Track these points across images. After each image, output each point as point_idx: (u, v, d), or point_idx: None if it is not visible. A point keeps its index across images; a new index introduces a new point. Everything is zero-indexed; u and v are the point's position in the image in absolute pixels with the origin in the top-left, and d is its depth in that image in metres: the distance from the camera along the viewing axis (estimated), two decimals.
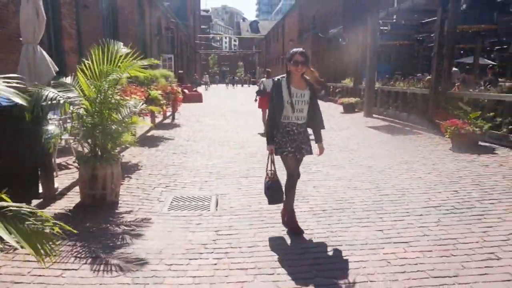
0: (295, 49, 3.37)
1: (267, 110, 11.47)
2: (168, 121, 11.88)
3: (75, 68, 4.41)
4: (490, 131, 7.03)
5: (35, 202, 3.97)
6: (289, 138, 3.38)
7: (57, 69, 5.28)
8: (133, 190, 4.77)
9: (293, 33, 34.60)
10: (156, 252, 3.13)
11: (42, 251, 1.89)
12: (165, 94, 9.96)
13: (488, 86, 8.60)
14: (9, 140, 3.62)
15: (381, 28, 14.10)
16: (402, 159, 6.36)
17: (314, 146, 3.58)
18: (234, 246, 3.26)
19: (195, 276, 2.78)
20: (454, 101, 8.42)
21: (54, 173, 4.75)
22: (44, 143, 3.82)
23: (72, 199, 4.31)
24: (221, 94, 29.91)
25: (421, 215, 3.89)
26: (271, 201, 3.63)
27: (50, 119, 4.44)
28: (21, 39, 5.09)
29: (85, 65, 4.14)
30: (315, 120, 3.50)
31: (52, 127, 4.05)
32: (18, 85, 2.12)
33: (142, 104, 5.21)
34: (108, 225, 3.69)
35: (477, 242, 3.25)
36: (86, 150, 4.47)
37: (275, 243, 3.30)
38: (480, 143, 7.06)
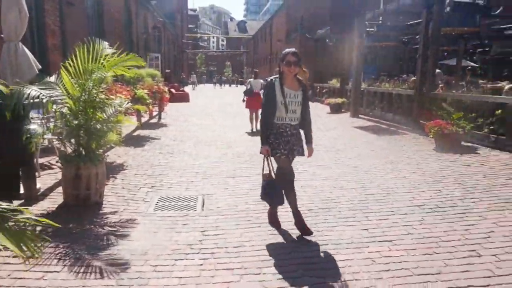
0: (287, 50, 3.35)
1: (254, 110, 11.50)
2: (154, 120, 11.76)
3: (59, 66, 4.33)
4: (472, 131, 7.19)
5: (16, 203, 3.87)
6: (282, 140, 3.35)
7: (40, 67, 5.18)
8: (118, 190, 4.71)
9: (281, 33, 34.70)
10: (141, 253, 3.09)
11: (26, 251, 1.85)
12: (152, 93, 9.86)
13: (471, 87, 8.80)
14: None
15: (368, 29, 14.28)
16: (387, 159, 6.44)
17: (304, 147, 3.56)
18: (221, 246, 3.25)
19: (180, 277, 2.76)
20: (438, 102, 8.59)
21: (36, 173, 4.65)
22: (26, 142, 3.73)
23: (55, 200, 4.22)
24: (209, 94, 29.80)
25: (405, 214, 3.95)
26: (272, 203, 3.57)
27: (32, 118, 4.34)
28: (2, 36, 4.97)
29: (69, 63, 4.06)
30: (306, 121, 3.48)
31: (34, 126, 3.96)
32: None
33: (128, 103, 5.14)
34: (92, 226, 3.63)
35: (459, 239, 3.31)
36: (69, 150, 4.38)
37: (262, 243, 3.30)
38: (462, 143, 7.21)
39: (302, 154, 3.50)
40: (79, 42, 4.11)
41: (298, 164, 5.83)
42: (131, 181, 5.11)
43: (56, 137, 4.57)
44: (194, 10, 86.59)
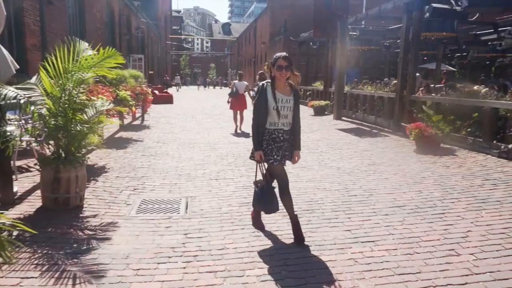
0: (278, 54, 3.30)
1: (238, 111, 11.51)
2: (137, 122, 11.61)
3: (38, 66, 4.22)
4: (451, 133, 7.38)
5: None
6: (275, 146, 3.29)
7: (18, 67, 5.02)
8: (99, 193, 4.62)
9: (265, 36, 34.88)
10: (123, 257, 3.04)
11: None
12: (134, 95, 9.73)
13: (449, 91, 9.03)
14: None
15: (350, 33, 14.48)
16: (369, 161, 6.54)
17: None
18: (204, 249, 3.22)
19: (163, 281, 2.72)
20: (418, 105, 8.78)
21: (14, 176, 4.52)
22: (2, 144, 3.62)
23: (32, 204, 4.11)
24: (193, 96, 29.62)
25: (387, 214, 4.02)
26: (267, 210, 3.50)
27: (9, 119, 4.22)
28: None
29: (48, 63, 3.97)
30: (295, 126, 3.40)
31: (11, 128, 3.85)
32: None
33: (110, 104, 5.06)
34: (72, 230, 3.54)
35: (438, 239, 3.39)
36: (48, 152, 4.28)
37: (245, 245, 3.29)
38: (442, 145, 7.39)
39: (290, 159, 3.44)
40: (59, 42, 4.02)
41: None
42: (113, 183, 5.02)
43: (35, 139, 4.45)
44: (178, 12, 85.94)
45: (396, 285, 2.66)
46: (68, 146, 4.05)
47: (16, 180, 4.70)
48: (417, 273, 2.82)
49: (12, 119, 4.50)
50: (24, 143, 5.27)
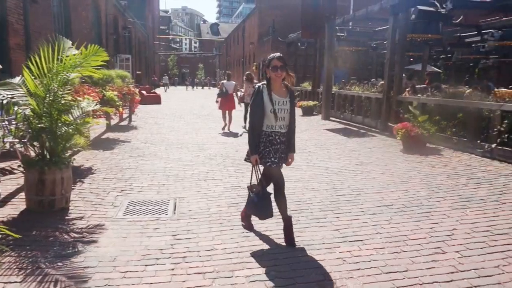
0: (272, 55, 3.25)
1: (227, 111, 11.52)
2: (124, 123, 11.48)
3: (22, 66, 4.13)
4: (436, 133, 7.51)
5: None
6: (272, 148, 3.23)
7: (1, 66, 4.93)
8: (85, 195, 4.54)
9: (253, 36, 34.90)
10: (110, 260, 2.99)
11: None
12: (121, 95, 9.61)
13: (434, 91, 9.18)
14: None
15: (338, 34, 14.60)
16: (357, 161, 6.61)
17: None
18: (192, 250, 3.20)
19: (151, 283, 2.69)
20: (404, 105, 8.90)
21: None
22: None
23: (16, 206, 4.02)
24: (181, 96, 29.45)
25: (374, 213, 4.06)
26: (262, 216, 3.45)
27: None
28: None
29: (31, 62, 3.89)
30: (291, 128, 3.36)
31: None
32: None
33: (96, 105, 4.99)
34: (57, 233, 3.48)
35: (424, 238, 3.44)
36: (33, 154, 4.19)
37: (234, 246, 3.28)
38: (428, 144, 7.50)
39: (285, 162, 3.40)
40: (42, 41, 3.94)
41: None
42: (100, 185, 4.95)
43: (18, 140, 4.35)
44: (166, 12, 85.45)
45: (383, 283, 2.69)
46: (53, 147, 3.98)
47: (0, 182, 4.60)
48: (404, 271, 2.85)
49: None
50: (7, 145, 5.15)
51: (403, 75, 11.42)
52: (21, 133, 4.11)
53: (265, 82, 3.31)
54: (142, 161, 6.40)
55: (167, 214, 4.03)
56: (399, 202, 4.40)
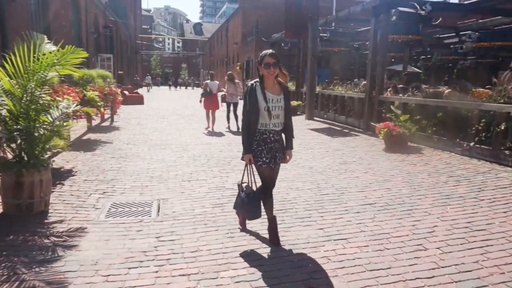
0: (264, 51, 3.18)
1: (210, 111, 11.47)
2: (106, 124, 11.27)
3: None
4: (417, 132, 7.66)
5: None
6: (265, 147, 3.18)
7: None
8: (66, 197, 4.43)
9: (237, 36, 34.85)
10: (92, 263, 2.93)
11: None
12: (103, 95, 9.42)
13: (415, 91, 9.37)
14: None
15: (321, 34, 14.72)
16: (341, 160, 6.67)
17: None
18: (177, 252, 3.16)
19: (134, 286, 2.64)
20: (386, 105, 9.05)
21: None
22: None
23: None
24: (164, 96, 29.13)
25: (358, 212, 4.10)
26: (251, 217, 3.43)
27: None
28: None
29: (6, 61, 3.76)
30: (288, 127, 3.31)
31: None
32: None
33: (76, 105, 4.87)
34: (36, 237, 3.38)
35: (407, 235, 3.50)
36: (10, 156, 4.06)
37: (219, 247, 3.26)
38: (409, 143, 7.65)
39: (283, 161, 3.37)
40: (17, 39, 3.82)
41: None
42: (81, 187, 4.84)
43: None
44: (149, 11, 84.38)
45: (367, 281, 2.72)
46: (31, 149, 3.86)
47: None
48: (387, 268, 2.89)
49: None
50: None
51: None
52: None
53: (257, 79, 3.24)
54: (125, 162, 6.30)
55: (150, 216, 3.97)
56: (382, 201, 4.47)
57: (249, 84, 3.24)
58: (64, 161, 6.12)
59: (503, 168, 5.78)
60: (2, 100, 3.72)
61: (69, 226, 3.62)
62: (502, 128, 6.11)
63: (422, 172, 5.71)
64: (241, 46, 33.64)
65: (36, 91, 3.87)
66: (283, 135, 3.35)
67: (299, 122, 12.39)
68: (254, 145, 3.21)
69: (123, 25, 31.84)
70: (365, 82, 11.18)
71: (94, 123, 10.26)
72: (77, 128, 7.15)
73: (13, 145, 3.89)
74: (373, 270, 2.87)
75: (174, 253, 3.13)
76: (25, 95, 3.81)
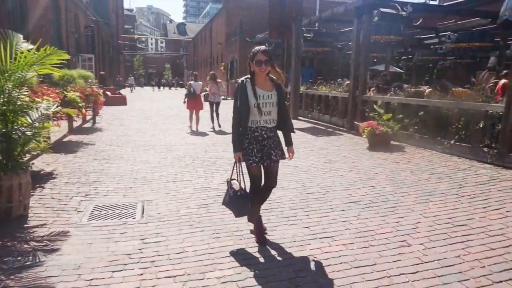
0: (257, 48, 3.12)
1: (194, 111, 11.45)
2: (88, 125, 11.05)
3: None
4: (400, 131, 7.79)
5: None
6: (256, 145, 3.14)
7: None
8: (46, 201, 4.32)
9: (221, 36, 34.74)
10: (74, 268, 2.85)
11: None
12: (84, 96, 9.23)
13: (397, 91, 9.53)
14: None
15: (305, 35, 14.82)
16: (325, 159, 6.73)
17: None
18: (162, 253, 3.12)
19: None
20: (370, 104, 9.18)
21: None
22: None
23: None
24: (147, 97, 28.78)
25: (343, 210, 4.14)
26: (238, 214, 3.39)
27: None
28: None
29: None
30: (285, 123, 3.27)
31: None
32: None
33: (57, 106, 4.75)
34: (15, 242, 3.27)
35: (391, 232, 3.55)
36: None
37: (205, 248, 3.24)
38: (392, 142, 7.78)
39: (283, 157, 3.32)
40: None
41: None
42: (62, 190, 4.72)
43: None
44: (131, 10, 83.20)
45: (353, 277, 2.75)
46: (9, 152, 3.74)
47: None
48: (372, 265, 2.93)
49: None
50: None
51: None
52: None
53: (248, 76, 3.19)
54: (108, 164, 6.18)
55: (134, 218, 3.90)
56: (366, 198, 4.52)
57: (239, 81, 3.20)
58: (44, 163, 5.96)
59: (482, 165, 5.94)
60: None
61: (50, 230, 3.53)
62: (481, 126, 6.29)
63: (405, 170, 5.81)
64: (225, 46, 33.55)
65: (13, 91, 3.76)
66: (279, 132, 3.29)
67: None
68: (245, 143, 3.17)
69: (104, 25, 31.32)
70: (348, 81, 11.31)
71: (75, 124, 10.05)
72: (58, 129, 6.97)
73: None
74: (359, 267, 2.90)
75: (159, 255, 3.09)
76: (1, 96, 3.69)
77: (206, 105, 11.08)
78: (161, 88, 50.63)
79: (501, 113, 5.93)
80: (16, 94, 3.81)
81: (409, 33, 14.69)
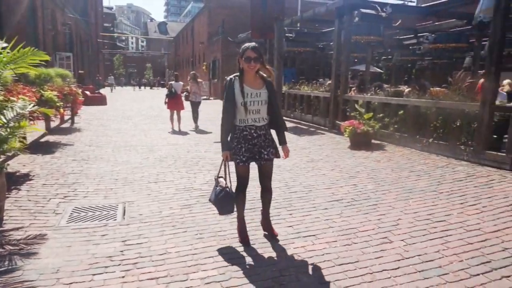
0: (247, 44, 3.06)
1: (175, 111, 11.37)
2: (66, 125, 10.77)
3: None
4: (380, 130, 7.93)
5: None
6: (245, 144, 3.11)
7: None
8: (23, 203, 4.18)
9: (203, 36, 34.49)
10: (52, 272, 2.77)
11: None
12: (62, 95, 8.98)
13: (378, 90, 9.70)
14: None
15: (287, 35, 14.88)
16: (308, 158, 6.78)
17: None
18: (144, 255, 3.07)
19: None
20: (351, 104, 9.30)
21: None
22: None
23: None
24: (128, 97, 28.31)
25: (326, 208, 4.18)
26: (222, 212, 3.37)
27: None
28: None
29: None
30: (277, 121, 3.24)
31: None
32: None
33: (34, 106, 4.60)
34: None
35: (373, 229, 3.61)
36: None
37: (188, 248, 3.20)
38: (373, 141, 7.90)
39: (277, 156, 3.29)
40: None
41: None
42: (39, 192, 4.58)
43: None
44: (110, 8, 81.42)
45: (336, 275, 2.77)
46: None
47: None
48: (355, 262, 2.96)
49: None
50: None
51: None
52: None
53: (237, 74, 3.14)
54: (87, 165, 6.04)
55: (115, 220, 3.83)
56: (349, 197, 4.58)
57: (228, 79, 3.15)
58: (20, 164, 5.77)
59: (459, 162, 6.12)
60: None
61: (26, 234, 3.42)
62: (458, 124, 6.47)
63: (386, 168, 5.91)
64: (207, 45, 33.33)
65: None
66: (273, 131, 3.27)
67: None
68: (234, 142, 3.15)
69: (83, 23, 30.60)
70: (330, 81, 11.43)
71: (53, 124, 9.77)
72: (35, 129, 6.75)
73: None
74: (342, 264, 2.93)
75: (141, 257, 3.04)
76: None
77: (188, 105, 10.99)
78: (142, 88, 49.91)
79: (476, 112, 6.12)
80: None
81: (388, 34, 14.96)
